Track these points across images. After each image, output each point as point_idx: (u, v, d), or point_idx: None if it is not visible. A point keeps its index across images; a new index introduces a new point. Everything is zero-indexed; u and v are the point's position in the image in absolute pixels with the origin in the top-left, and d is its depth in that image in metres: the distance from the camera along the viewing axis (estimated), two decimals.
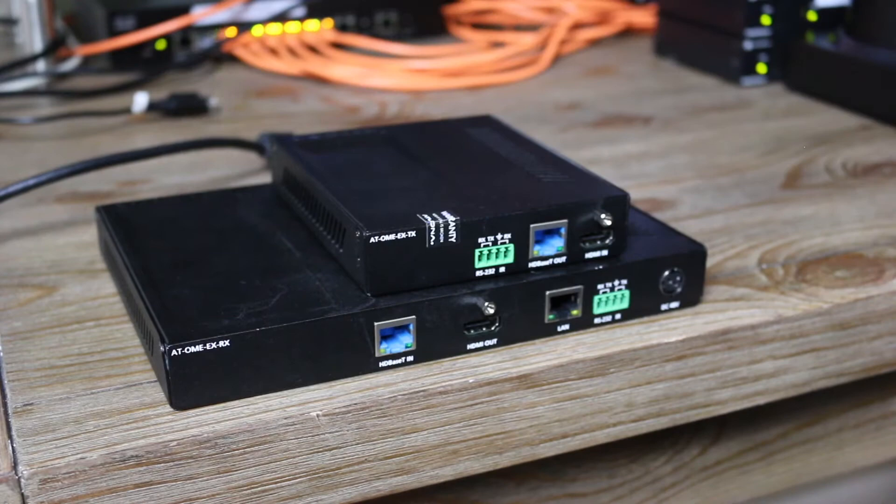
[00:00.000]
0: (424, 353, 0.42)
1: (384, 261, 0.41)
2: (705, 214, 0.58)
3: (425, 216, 0.42)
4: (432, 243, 0.41)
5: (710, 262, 0.50)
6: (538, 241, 0.43)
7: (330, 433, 0.40)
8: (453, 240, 0.42)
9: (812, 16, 0.82)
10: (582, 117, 0.75)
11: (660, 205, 0.59)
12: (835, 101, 0.76)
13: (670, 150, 0.69)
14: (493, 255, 0.43)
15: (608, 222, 0.44)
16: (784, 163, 0.66)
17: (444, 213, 0.42)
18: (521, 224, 0.43)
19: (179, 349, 0.38)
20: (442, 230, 0.41)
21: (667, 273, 0.46)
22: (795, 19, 0.82)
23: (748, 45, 0.82)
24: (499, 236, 0.42)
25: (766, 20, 0.81)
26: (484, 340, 0.43)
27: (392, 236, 0.41)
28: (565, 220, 0.43)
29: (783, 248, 0.54)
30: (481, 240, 0.42)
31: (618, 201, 0.44)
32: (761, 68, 0.83)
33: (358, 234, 0.41)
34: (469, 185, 0.45)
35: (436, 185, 0.46)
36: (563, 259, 0.44)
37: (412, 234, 0.41)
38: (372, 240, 0.40)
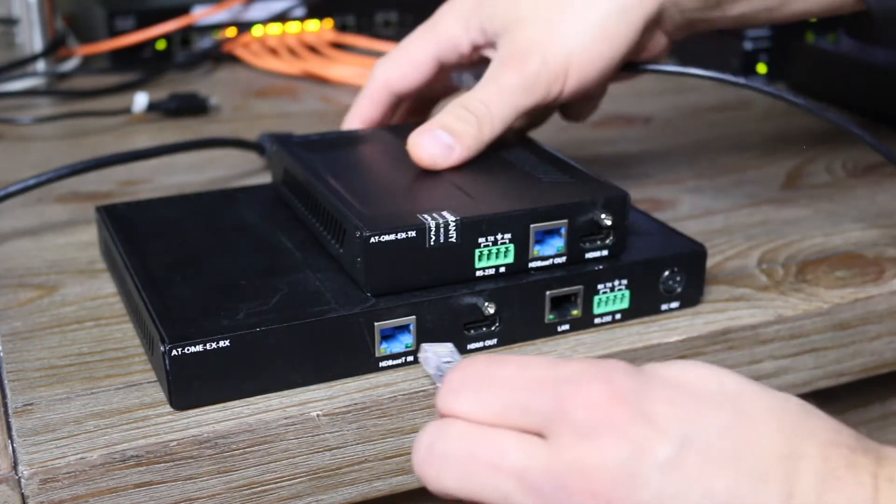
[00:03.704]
0: None
1: (384, 261, 0.41)
2: (705, 214, 0.58)
3: (425, 216, 0.42)
4: (432, 243, 0.41)
5: (710, 262, 0.50)
6: (538, 241, 0.43)
7: (330, 433, 0.40)
8: (453, 240, 0.42)
9: None
10: None
11: (660, 205, 0.59)
12: (835, 101, 0.76)
13: (670, 150, 0.69)
14: (494, 255, 0.43)
15: (608, 222, 0.43)
16: (784, 163, 0.66)
17: (445, 213, 0.42)
18: (521, 224, 0.43)
19: (179, 349, 0.38)
20: (442, 230, 0.41)
21: (667, 273, 0.46)
22: None
23: (748, 45, 0.82)
24: (499, 236, 0.42)
25: None
26: (484, 340, 0.43)
27: (392, 236, 0.41)
28: (565, 220, 0.43)
29: (783, 248, 0.54)
30: (481, 240, 0.42)
31: (618, 201, 0.44)
32: (761, 68, 0.83)
33: (358, 234, 0.41)
34: (469, 184, 0.45)
35: (435, 185, 0.46)
36: (564, 259, 0.44)
37: (412, 234, 0.41)
38: (372, 240, 0.40)
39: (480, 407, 0.32)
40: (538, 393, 0.31)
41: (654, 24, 0.51)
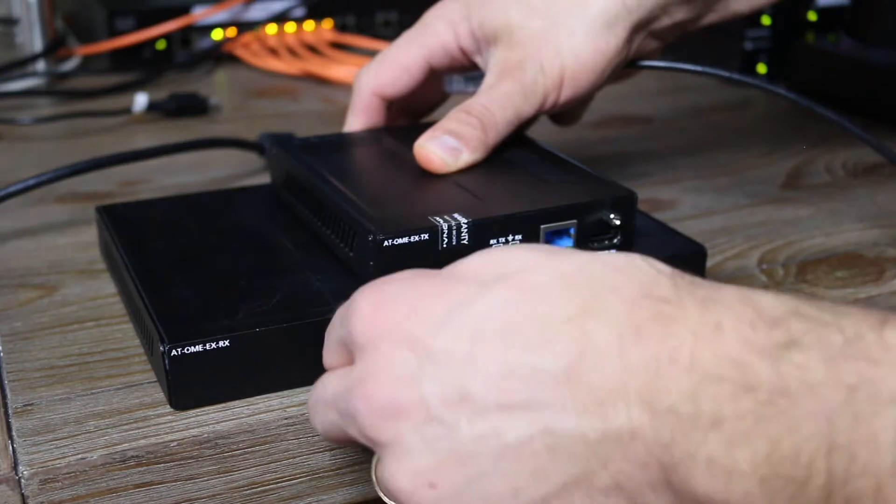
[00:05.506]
0: None
1: (397, 263, 0.40)
2: (705, 214, 0.58)
3: (437, 218, 0.41)
4: (445, 245, 0.41)
5: (710, 263, 0.50)
6: (548, 241, 0.43)
7: None
8: (465, 241, 0.41)
9: (812, 16, 0.82)
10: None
11: (660, 205, 0.59)
12: (835, 101, 0.76)
13: (670, 150, 0.68)
14: None
15: (617, 222, 0.44)
16: (784, 163, 0.66)
17: (456, 215, 0.42)
18: (531, 224, 0.43)
19: (179, 349, 0.38)
20: (454, 232, 0.41)
21: None
22: (795, 19, 0.82)
23: (748, 45, 0.82)
24: (510, 237, 0.42)
25: (766, 20, 0.81)
26: None
27: (405, 239, 0.41)
28: (575, 221, 0.43)
29: (783, 248, 0.54)
30: (492, 241, 0.42)
31: (626, 201, 0.44)
32: (761, 68, 0.83)
33: (371, 237, 0.40)
34: (475, 186, 0.45)
35: (441, 187, 0.46)
36: None
37: (425, 236, 0.41)
38: (385, 243, 0.40)
39: (327, 357, 0.35)
40: (340, 327, 0.34)
41: (643, 30, 0.52)
